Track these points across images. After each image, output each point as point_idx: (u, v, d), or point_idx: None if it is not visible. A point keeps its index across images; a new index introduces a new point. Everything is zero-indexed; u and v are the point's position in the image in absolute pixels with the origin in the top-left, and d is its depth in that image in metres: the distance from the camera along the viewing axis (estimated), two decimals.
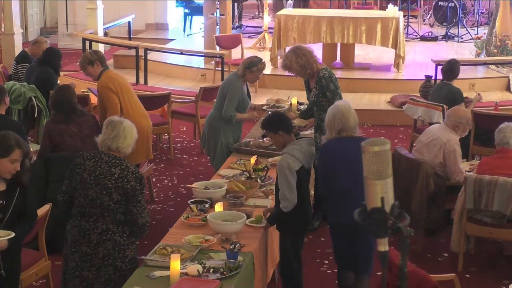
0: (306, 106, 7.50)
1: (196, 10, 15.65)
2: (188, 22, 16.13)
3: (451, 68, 8.15)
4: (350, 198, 4.71)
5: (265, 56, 12.73)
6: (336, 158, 4.94)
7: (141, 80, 11.77)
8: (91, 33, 12.97)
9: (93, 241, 4.47)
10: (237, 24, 15.93)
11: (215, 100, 7.14)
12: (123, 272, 4.48)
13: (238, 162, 6.29)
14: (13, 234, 4.35)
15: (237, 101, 6.84)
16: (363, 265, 4.99)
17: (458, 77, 8.27)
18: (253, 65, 6.83)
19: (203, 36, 13.37)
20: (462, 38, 14.90)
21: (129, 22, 14.40)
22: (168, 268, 4.15)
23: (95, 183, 4.47)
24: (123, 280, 4.38)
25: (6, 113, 8.30)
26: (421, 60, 12.98)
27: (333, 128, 4.98)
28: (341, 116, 4.96)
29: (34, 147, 6.87)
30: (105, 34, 14.09)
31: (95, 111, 8.75)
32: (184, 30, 16.07)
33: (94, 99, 9.04)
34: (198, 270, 4.15)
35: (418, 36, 15.23)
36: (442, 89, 8.17)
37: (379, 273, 5.67)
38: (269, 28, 14.06)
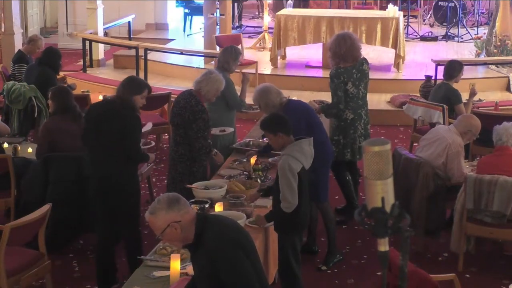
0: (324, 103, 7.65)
1: (196, 10, 15.64)
2: (188, 22, 16.12)
3: (449, 68, 8.15)
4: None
5: (265, 56, 12.75)
6: None
7: None
8: (91, 33, 12.97)
9: (173, 159, 6.06)
10: (237, 24, 15.93)
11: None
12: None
13: (237, 162, 6.29)
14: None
15: (236, 93, 6.89)
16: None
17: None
18: (238, 56, 6.96)
19: (203, 36, 13.37)
20: (462, 38, 14.90)
21: (129, 22, 14.40)
22: (168, 268, 4.15)
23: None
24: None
25: (6, 113, 8.35)
26: (421, 60, 12.96)
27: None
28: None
29: (34, 147, 6.86)
30: (105, 34, 14.09)
31: None
32: (184, 30, 16.06)
33: (94, 99, 9.03)
34: None
35: (418, 36, 15.22)
36: (441, 88, 8.19)
37: (379, 273, 5.68)
38: (269, 28, 14.05)
